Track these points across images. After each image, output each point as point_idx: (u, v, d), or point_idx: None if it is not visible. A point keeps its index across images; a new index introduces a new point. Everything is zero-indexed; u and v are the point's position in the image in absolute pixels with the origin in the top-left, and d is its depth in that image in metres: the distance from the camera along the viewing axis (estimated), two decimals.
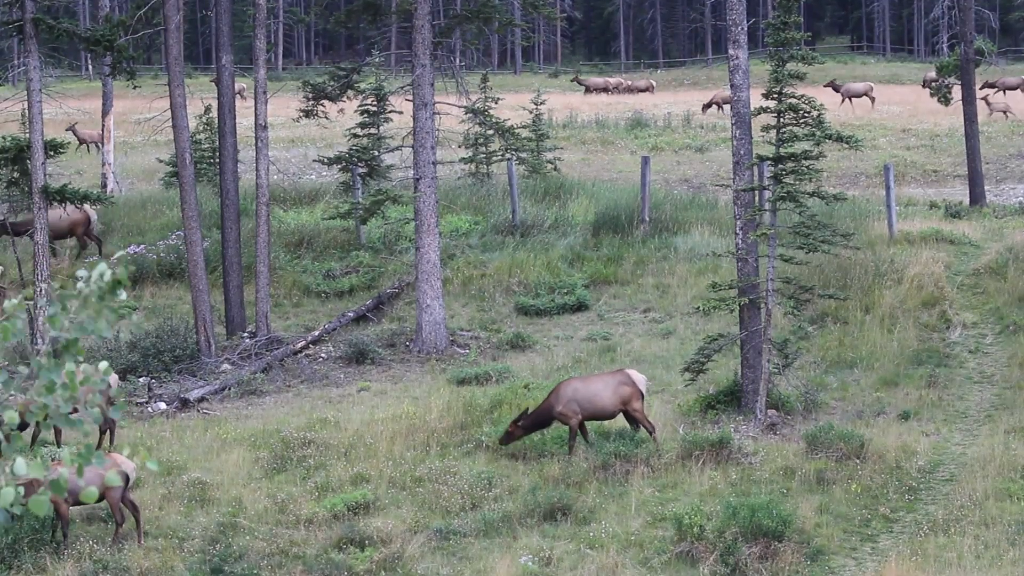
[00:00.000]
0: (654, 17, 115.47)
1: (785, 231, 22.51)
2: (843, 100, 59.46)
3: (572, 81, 76.98)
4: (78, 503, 17.85)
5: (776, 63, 22.00)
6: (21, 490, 5.86)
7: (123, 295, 6.15)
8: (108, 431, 21.44)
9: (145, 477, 19.70)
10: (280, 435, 21.33)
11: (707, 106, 59.22)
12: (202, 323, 26.55)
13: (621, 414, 20.60)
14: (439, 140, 28.14)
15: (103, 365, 6.56)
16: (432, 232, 26.93)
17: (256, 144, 28.24)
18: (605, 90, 73.61)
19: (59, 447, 20.76)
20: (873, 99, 60.27)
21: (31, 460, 5.90)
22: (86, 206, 30.57)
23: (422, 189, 26.85)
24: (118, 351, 25.93)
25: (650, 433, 20.38)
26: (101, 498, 17.85)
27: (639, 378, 20.58)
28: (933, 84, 44.74)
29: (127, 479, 17.92)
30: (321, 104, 30.16)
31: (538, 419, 20.41)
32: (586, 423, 20.48)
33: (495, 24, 29.12)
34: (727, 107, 58.88)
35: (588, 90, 73.02)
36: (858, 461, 19.69)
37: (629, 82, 76.28)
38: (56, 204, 27.00)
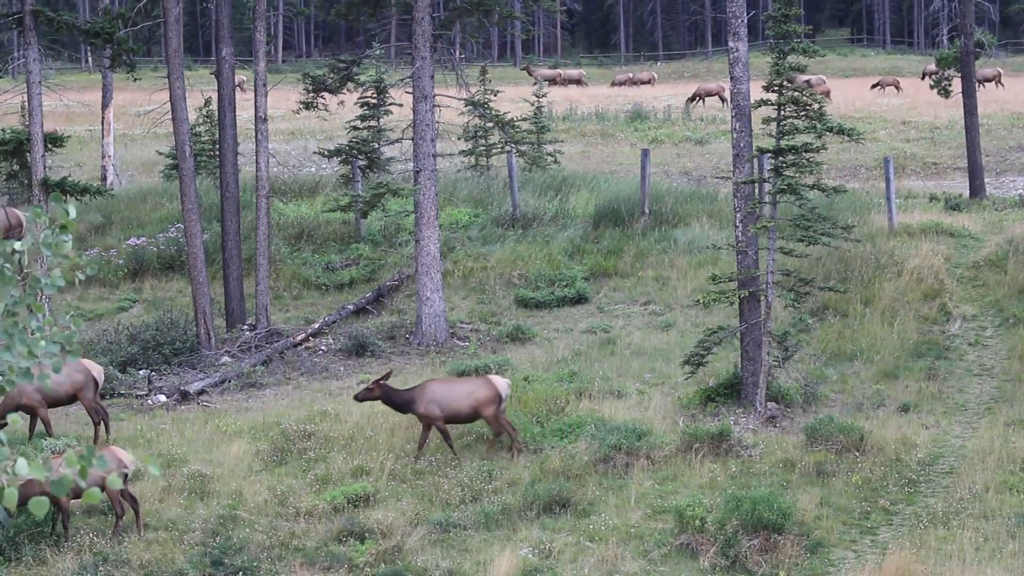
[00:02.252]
0: (654, 9, 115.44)
1: (785, 224, 22.50)
2: None
3: (522, 70, 77.12)
4: (79, 496, 17.86)
5: (777, 56, 21.98)
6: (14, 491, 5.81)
7: (69, 241, 6.09)
8: (102, 423, 21.45)
9: (145, 470, 19.69)
10: (280, 427, 21.34)
11: (691, 99, 59.50)
12: (202, 316, 26.56)
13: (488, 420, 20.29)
14: (439, 133, 28.12)
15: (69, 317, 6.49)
16: (432, 225, 26.93)
17: (256, 136, 28.23)
18: (554, 81, 73.98)
19: (50, 436, 20.79)
20: (826, 92, 60.41)
21: (32, 460, 5.87)
22: (17, 211, 30.68)
23: (422, 182, 26.84)
24: (118, 343, 25.96)
25: (512, 437, 20.13)
26: (101, 490, 17.84)
27: (500, 383, 20.24)
28: (933, 77, 44.73)
29: (126, 471, 17.93)
30: (321, 96, 30.16)
31: (398, 401, 20.27)
32: (447, 425, 20.25)
33: (495, 17, 29.10)
34: (710, 99, 59.32)
35: (537, 82, 73.25)
36: (858, 454, 19.70)
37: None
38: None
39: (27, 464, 5.71)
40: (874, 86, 65.87)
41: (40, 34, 26.73)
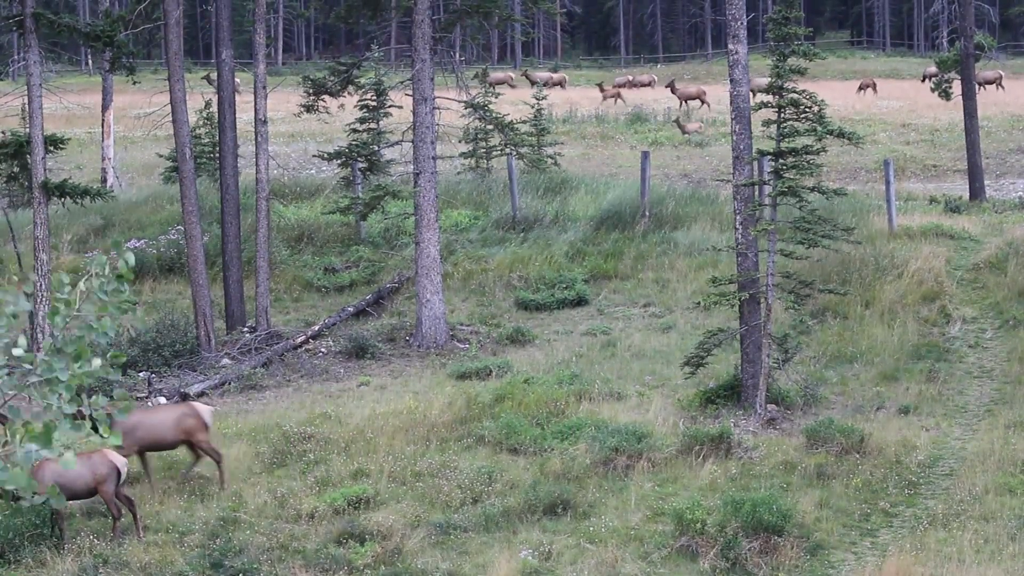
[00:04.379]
0: (654, 12, 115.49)
1: (785, 226, 22.50)
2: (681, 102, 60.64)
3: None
4: (74, 497, 17.88)
5: (777, 58, 21.99)
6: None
7: (127, 290, 6.02)
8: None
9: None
10: (280, 430, 21.35)
11: (673, 90, 60.85)
12: (202, 318, 26.56)
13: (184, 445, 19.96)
14: (439, 135, 28.12)
15: (97, 362, 6.40)
16: (432, 227, 26.93)
17: (256, 139, 28.24)
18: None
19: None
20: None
21: None
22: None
23: (422, 184, 26.85)
24: (118, 346, 25.95)
25: (217, 463, 19.67)
26: (94, 492, 17.87)
27: (204, 410, 19.90)
28: (933, 79, 44.75)
29: (119, 474, 17.91)
30: (321, 99, 30.16)
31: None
32: (148, 453, 19.74)
33: (495, 19, 29.11)
34: (691, 103, 59.65)
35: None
36: (858, 456, 19.70)
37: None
38: (56, 198, 26.98)
39: None
40: (860, 89, 67.92)
41: (41, 37, 26.72)
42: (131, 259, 6.13)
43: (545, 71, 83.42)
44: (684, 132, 50.01)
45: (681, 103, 60.25)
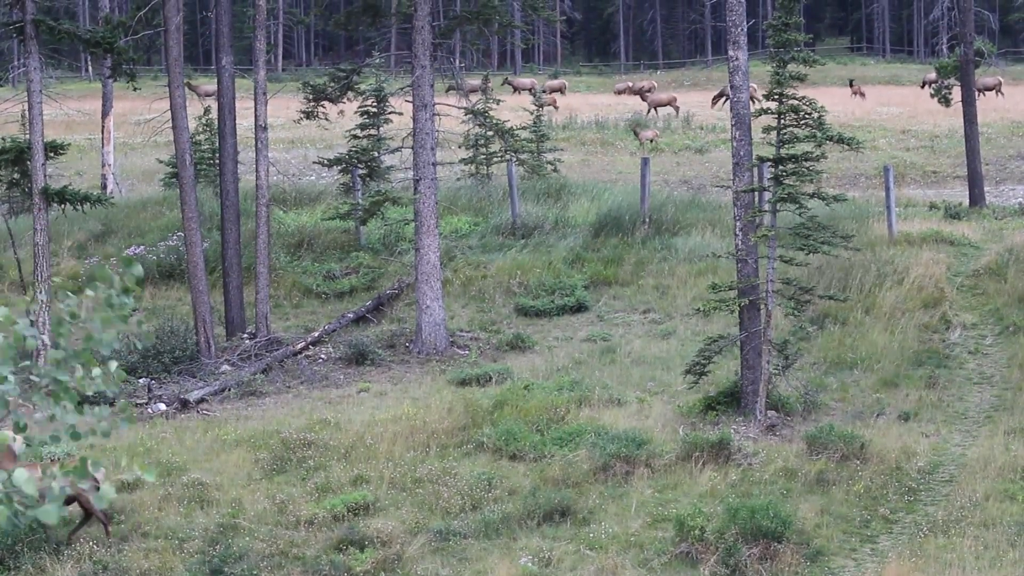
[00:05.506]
0: (654, 18, 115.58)
1: (785, 232, 22.50)
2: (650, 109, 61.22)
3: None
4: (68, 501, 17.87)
5: (777, 64, 21.99)
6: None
7: (130, 302, 6.00)
8: None
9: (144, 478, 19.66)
10: (280, 436, 21.34)
11: (644, 97, 61.77)
12: (202, 324, 26.55)
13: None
14: (439, 141, 28.13)
15: (113, 365, 6.37)
16: (432, 233, 26.94)
17: (256, 145, 28.25)
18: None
19: None
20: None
21: (28, 477, 5.82)
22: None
23: (422, 190, 26.86)
24: (118, 352, 25.92)
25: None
26: (73, 499, 17.79)
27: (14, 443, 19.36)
28: (933, 85, 44.79)
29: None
30: (321, 105, 30.18)
31: None
32: None
33: (495, 25, 29.12)
34: (662, 110, 59.91)
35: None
36: (858, 462, 19.69)
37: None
38: (56, 205, 26.98)
39: (24, 478, 5.66)
40: (850, 83, 68.89)
41: (41, 43, 26.74)
42: (139, 271, 6.11)
43: (528, 78, 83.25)
44: (639, 139, 50.21)
45: (651, 110, 60.36)
